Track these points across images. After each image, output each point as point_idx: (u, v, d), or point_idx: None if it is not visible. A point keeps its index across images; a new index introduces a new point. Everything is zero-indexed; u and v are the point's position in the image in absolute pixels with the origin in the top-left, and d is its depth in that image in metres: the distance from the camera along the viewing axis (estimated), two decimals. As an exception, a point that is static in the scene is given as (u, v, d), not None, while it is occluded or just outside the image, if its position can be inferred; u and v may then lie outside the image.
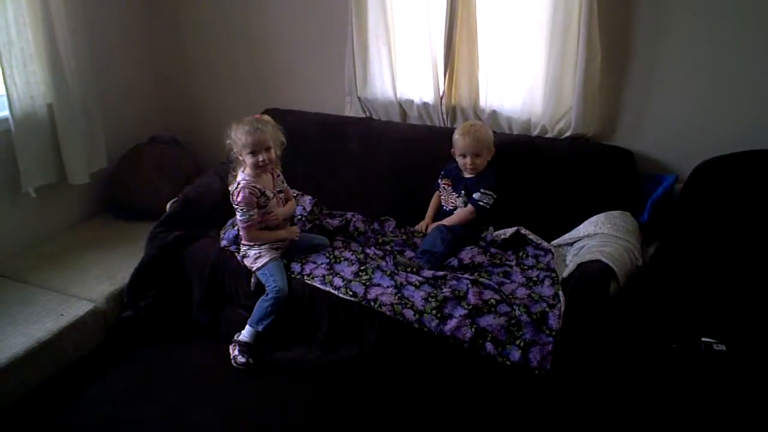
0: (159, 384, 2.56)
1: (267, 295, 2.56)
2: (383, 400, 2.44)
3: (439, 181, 2.96)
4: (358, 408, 2.42)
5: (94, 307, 2.72)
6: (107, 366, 2.65)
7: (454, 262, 2.66)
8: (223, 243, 2.83)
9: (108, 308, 2.77)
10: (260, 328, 2.57)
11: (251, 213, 2.58)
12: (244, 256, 2.67)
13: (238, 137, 2.57)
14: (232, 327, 2.71)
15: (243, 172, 2.62)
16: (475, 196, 2.81)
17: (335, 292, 2.48)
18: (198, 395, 2.49)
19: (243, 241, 2.67)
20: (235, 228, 2.78)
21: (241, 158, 2.61)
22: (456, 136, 2.82)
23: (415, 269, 2.58)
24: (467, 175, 2.84)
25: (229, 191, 2.67)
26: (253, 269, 2.62)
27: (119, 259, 3.04)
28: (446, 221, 2.84)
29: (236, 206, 2.59)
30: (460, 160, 2.83)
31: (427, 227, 2.93)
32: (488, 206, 2.81)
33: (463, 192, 2.84)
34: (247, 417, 2.38)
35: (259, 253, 2.62)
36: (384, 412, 2.39)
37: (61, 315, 2.62)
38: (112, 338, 2.77)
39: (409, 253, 2.78)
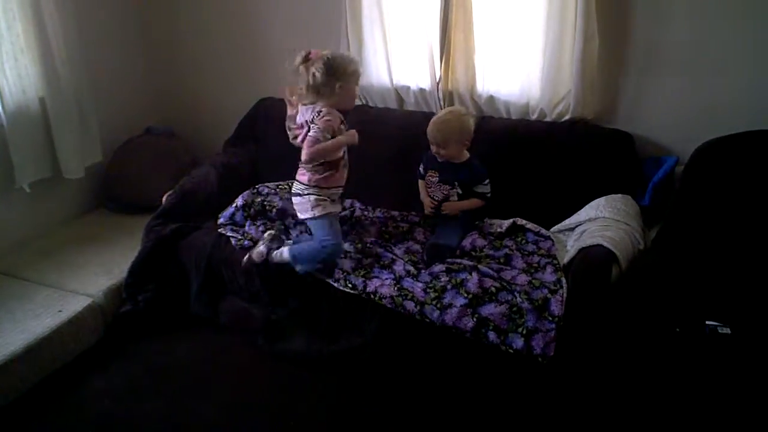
0: (159, 378, 2.54)
1: (322, 246, 2.47)
2: (386, 391, 2.42)
3: (421, 169, 2.89)
4: (361, 399, 2.41)
5: (93, 302, 2.70)
6: (107, 361, 2.64)
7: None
8: (221, 220, 2.85)
9: (106, 303, 2.76)
10: (299, 268, 2.51)
11: (327, 136, 2.42)
12: (295, 195, 2.54)
13: (344, 65, 2.46)
14: (231, 317, 2.70)
15: (321, 103, 2.47)
16: (480, 189, 2.77)
17: (335, 285, 2.46)
18: (199, 388, 2.48)
19: (301, 175, 2.53)
20: (233, 206, 2.86)
21: (336, 87, 2.45)
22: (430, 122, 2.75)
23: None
24: (454, 162, 2.75)
25: (223, 176, 2.68)
26: (305, 216, 2.53)
27: (116, 253, 3.02)
28: (458, 207, 2.78)
29: (314, 124, 2.42)
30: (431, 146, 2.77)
31: (434, 209, 2.85)
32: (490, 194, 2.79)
33: (456, 184, 2.78)
34: (249, 409, 2.37)
35: (318, 201, 2.50)
36: (387, 402, 2.38)
37: (60, 311, 2.61)
38: (112, 333, 2.76)
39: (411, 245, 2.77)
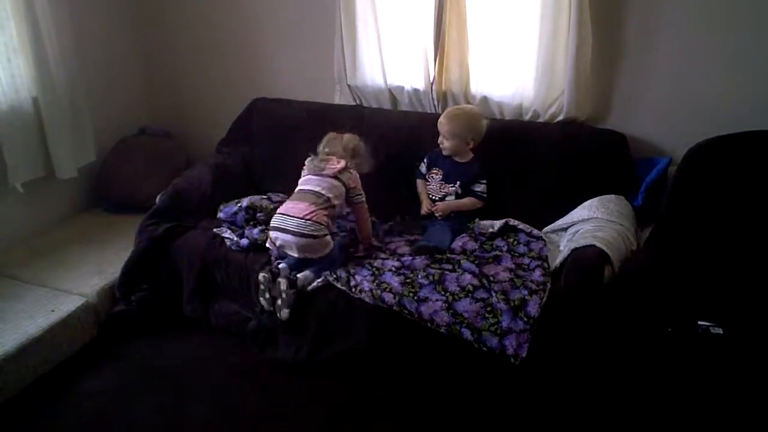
0: (153, 378, 2.54)
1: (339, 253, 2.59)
2: (377, 394, 2.42)
3: (422, 169, 2.94)
4: (353, 402, 2.40)
5: (86, 302, 2.70)
6: (100, 361, 2.64)
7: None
8: (221, 215, 2.86)
9: (99, 303, 2.75)
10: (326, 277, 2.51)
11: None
12: (306, 236, 2.45)
13: (368, 161, 2.80)
14: (222, 320, 2.69)
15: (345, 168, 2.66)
16: (478, 188, 2.82)
17: (330, 279, 2.47)
18: (192, 389, 2.48)
19: (322, 215, 2.50)
20: (237, 205, 2.84)
21: (355, 165, 2.73)
22: None
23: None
24: (459, 160, 2.82)
25: (217, 176, 2.68)
26: (320, 255, 2.51)
27: (110, 253, 3.01)
28: (451, 207, 2.82)
29: (358, 186, 2.68)
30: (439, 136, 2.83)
31: (430, 210, 2.87)
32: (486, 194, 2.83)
33: (458, 183, 2.82)
34: (241, 410, 2.37)
35: (331, 236, 2.57)
36: (379, 406, 2.38)
37: (53, 311, 2.60)
38: (105, 333, 2.75)
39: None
